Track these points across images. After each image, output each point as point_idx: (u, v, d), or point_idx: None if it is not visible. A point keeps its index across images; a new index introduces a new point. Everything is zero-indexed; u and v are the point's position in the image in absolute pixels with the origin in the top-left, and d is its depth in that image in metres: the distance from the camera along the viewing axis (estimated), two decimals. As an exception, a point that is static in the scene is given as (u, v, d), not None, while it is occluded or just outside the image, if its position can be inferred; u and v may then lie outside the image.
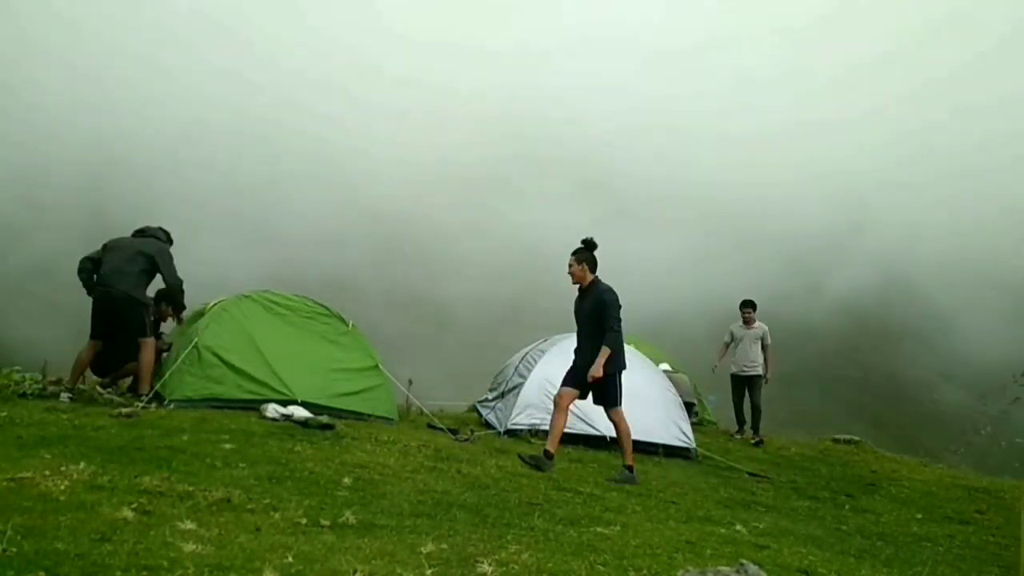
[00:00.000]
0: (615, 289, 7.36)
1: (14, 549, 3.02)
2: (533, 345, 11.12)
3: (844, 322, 40.91)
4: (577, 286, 7.47)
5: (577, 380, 7.32)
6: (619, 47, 78.31)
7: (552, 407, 9.47)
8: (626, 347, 10.74)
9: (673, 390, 10.49)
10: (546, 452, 7.25)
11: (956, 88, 65.30)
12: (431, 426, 9.11)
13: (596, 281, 7.37)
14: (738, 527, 5.71)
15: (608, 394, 7.34)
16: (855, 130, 62.21)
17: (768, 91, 69.99)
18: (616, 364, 7.28)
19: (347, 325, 8.99)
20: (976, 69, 66.59)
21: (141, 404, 7.47)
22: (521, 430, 9.24)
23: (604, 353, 7.11)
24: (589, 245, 7.40)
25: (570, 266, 7.38)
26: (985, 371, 36.14)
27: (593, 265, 7.38)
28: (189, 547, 3.28)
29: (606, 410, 7.43)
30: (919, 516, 7.78)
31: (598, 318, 7.23)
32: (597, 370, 7.07)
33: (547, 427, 9.28)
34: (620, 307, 7.27)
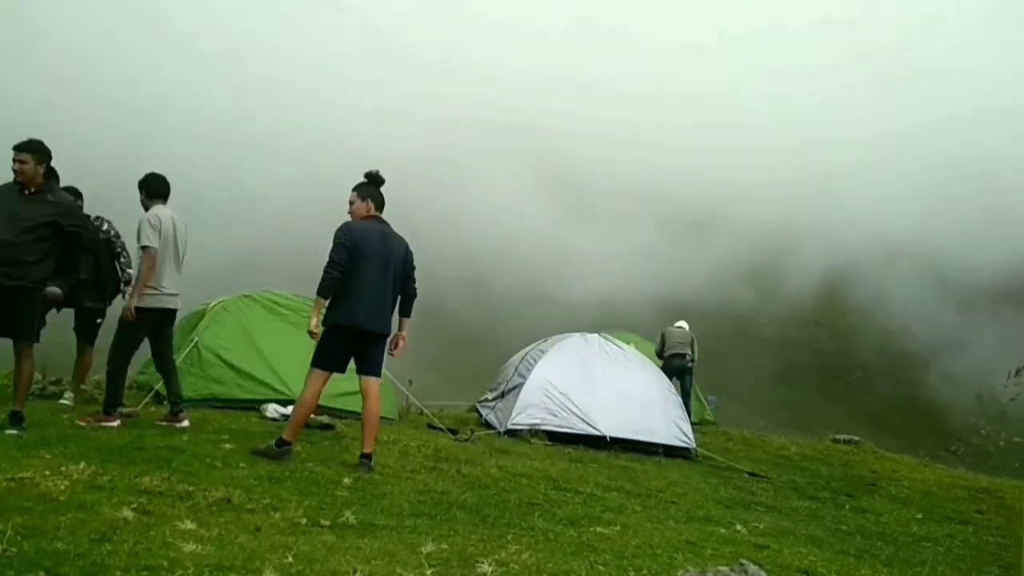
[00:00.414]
0: (354, 227, 6.03)
1: (14, 549, 3.02)
2: (533, 345, 11.14)
3: (794, 312, 41.49)
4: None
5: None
6: (594, 38, 78.40)
7: (553, 407, 9.53)
8: (625, 347, 10.88)
9: (673, 390, 10.51)
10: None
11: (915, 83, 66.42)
12: (431, 426, 9.12)
13: (374, 219, 6.17)
14: (738, 527, 5.72)
15: (316, 352, 6.00)
16: (814, 127, 62.61)
17: (729, 89, 70.46)
18: (340, 317, 5.86)
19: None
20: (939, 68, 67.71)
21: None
22: (521, 430, 9.24)
23: (316, 305, 5.89)
24: (373, 180, 6.25)
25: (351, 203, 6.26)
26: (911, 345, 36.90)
27: (376, 202, 6.19)
28: (189, 547, 3.28)
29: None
30: (919, 516, 7.78)
31: None
32: (311, 325, 5.93)
33: (547, 427, 9.32)
34: (343, 244, 5.86)
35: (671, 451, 9.52)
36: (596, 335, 10.74)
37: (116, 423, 6.32)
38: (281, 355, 8.34)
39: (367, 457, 5.90)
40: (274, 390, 8.13)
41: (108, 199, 8.46)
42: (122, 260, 7.89)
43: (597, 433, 9.29)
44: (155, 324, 6.70)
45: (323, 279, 5.85)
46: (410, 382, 10.09)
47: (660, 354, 12.78)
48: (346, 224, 6.06)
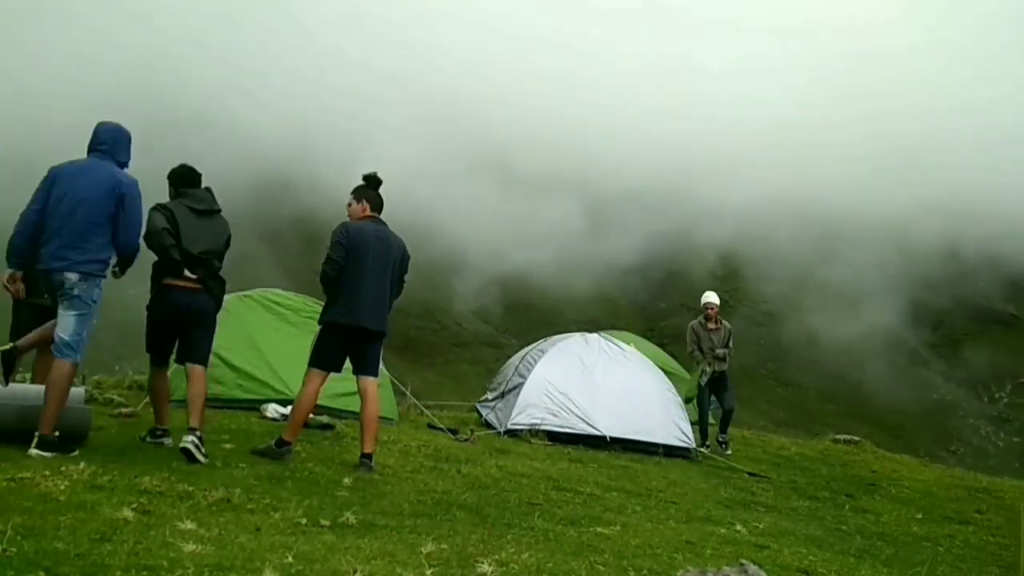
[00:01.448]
0: (353, 227, 6.04)
1: (14, 549, 3.02)
2: (533, 345, 11.15)
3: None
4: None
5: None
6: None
7: (553, 407, 9.52)
8: (625, 347, 10.87)
9: (673, 390, 10.50)
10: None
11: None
12: (431, 426, 9.12)
13: (370, 219, 6.18)
14: (738, 527, 5.72)
15: (313, 350, 6.06)
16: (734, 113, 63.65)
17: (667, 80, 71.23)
18: (337, 315, 5.89)
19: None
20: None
21: None
22: (521, 430, 9.24)
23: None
24: (370, 182, 6.26)
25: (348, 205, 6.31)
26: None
27: (373, 203, 6.21)
28: (189, 547, 3.28)
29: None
30: (919, 516, 7.78)
31: None
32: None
33: (547, 427, 9.32)
34: (340, 243, 5.88)
35: (671, 451, 9.51)
36: (596, 335, 10.75)
37: None
38: (281, 355, 8.34)
39: (367, 457, 5.90)
40: (274, 390, 8.13)
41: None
42: None
43: (597, 433, 9.28)
44: None
45: (321, 278, 5.93)
46: (409, 383, 10.11)
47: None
48: (343, 224, 6.10)
